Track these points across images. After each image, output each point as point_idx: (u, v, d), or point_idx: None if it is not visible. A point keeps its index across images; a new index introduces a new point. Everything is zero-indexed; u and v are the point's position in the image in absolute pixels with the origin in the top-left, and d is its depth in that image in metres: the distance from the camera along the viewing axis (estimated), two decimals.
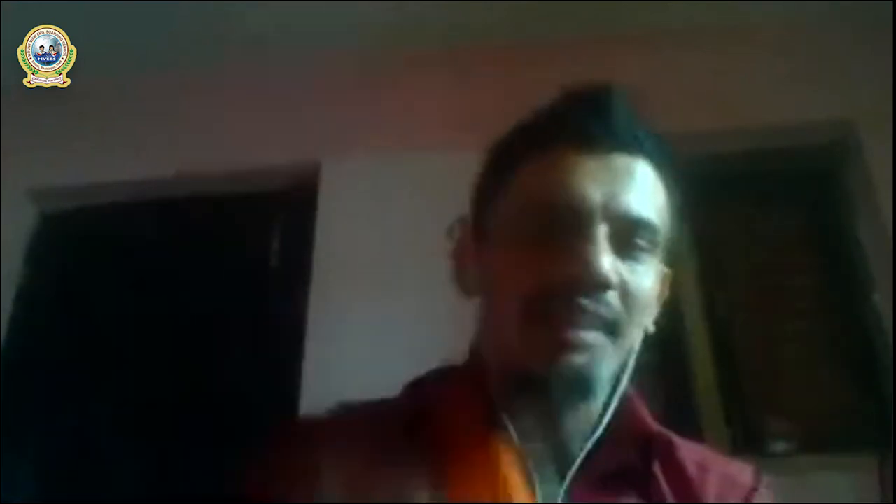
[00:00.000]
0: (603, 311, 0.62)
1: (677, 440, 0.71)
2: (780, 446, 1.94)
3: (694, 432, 1.94)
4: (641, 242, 0.65)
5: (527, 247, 0.64)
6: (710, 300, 2.14)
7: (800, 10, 2.27)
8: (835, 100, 2.22)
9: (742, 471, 0.72)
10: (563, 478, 0.64)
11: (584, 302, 0.61)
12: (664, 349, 2.07)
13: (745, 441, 1.95)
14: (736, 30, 2.32)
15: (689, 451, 0.70)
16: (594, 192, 0.63)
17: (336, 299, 2.08)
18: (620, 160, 0.65)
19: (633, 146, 0.66)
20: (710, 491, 0.67)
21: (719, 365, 2.06)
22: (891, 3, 2.14)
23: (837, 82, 2.23)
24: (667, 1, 2.25)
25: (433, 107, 2.29)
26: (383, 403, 0.72)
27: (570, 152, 0.65)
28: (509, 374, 0.65)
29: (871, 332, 2.08)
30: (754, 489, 0.70)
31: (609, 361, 0.64)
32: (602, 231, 0.62)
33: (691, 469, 0.68)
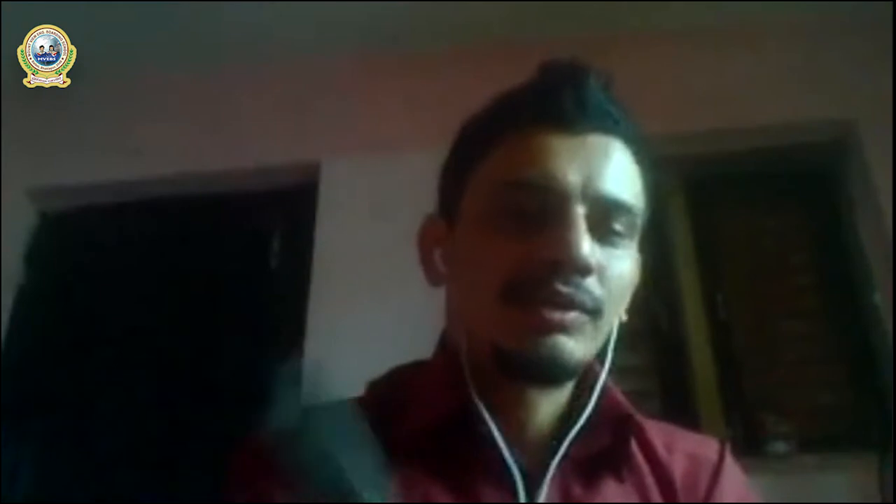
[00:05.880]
0: (583, 296, 0.60)
1: (645, 421, 0.69)
2: (779, 446, 1.93)
3: (694, 432, 1.95)
4: (618, 227, 0.63)
5: (503, 228, 0.62)
6: (711, 300, 2.14)
7: (799, 11, 2.27)
8: (835, 100, 2.22)
9: (708, 447, 0.71)
10: (542, 465, 0.63)
11: (564, 288, 0.59)
12: (664, 349, 2.07)
13: (745, 441, 1.95)
14: (736, 30, 2.32)
15: (656, 431, 0.70)
16: (573, 173, 0.61)
17: (336, 299, 2.08)
18: (597, 140, 0.63)
19: (608, 127, 0.64)
20: (679, 471, 0.67)
21: (719, 365, 2.06)
22: (891, 3, 2.14)
23: (837, 82, 2.23)
24: (667, 1, 2.25)
25: (433, 106, 2.28)
26: (345, 403, 0.69)
27: (545, 131, 0.63)
28: (484, 358, 0.63)
29: (871, 332, 2.08)
30: (720, 465, 0.69)
31: (588, 343, 0.62)
32: (580, 213, 0.60)
33: (660, 450, 0.68)
